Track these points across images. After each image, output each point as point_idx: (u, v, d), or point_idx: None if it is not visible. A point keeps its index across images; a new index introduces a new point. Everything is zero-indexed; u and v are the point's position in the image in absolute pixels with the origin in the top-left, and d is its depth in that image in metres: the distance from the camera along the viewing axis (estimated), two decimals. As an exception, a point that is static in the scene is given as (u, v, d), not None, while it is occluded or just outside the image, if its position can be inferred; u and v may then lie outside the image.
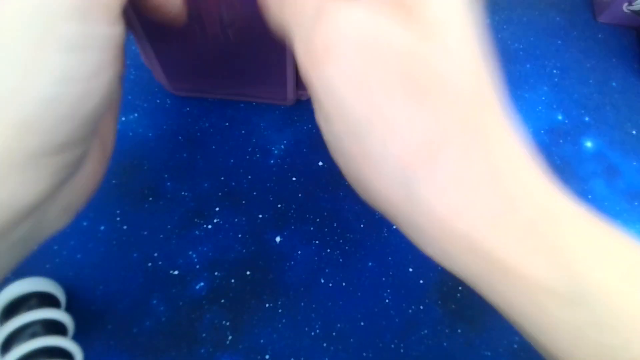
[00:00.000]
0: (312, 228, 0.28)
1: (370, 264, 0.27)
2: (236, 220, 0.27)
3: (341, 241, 0.27)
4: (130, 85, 0.30)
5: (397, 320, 0.26)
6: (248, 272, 0.26)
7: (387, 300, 0.26)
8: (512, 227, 0.13)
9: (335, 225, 0.28)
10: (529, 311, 0.14)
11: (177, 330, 0.25)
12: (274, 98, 0.30)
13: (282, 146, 0.30)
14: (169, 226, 0.27)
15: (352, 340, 0.25)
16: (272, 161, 0.29)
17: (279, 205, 0.28)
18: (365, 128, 0.13)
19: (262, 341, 0.25)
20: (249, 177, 0.29)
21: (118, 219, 0.27)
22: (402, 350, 0.25)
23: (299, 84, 0.28)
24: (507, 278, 0.14)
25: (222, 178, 0.28)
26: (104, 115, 0.15)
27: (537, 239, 0.13)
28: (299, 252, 0.27)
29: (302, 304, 0.26)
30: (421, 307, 0.27)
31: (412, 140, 0.13)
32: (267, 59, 0.25)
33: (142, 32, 0.23)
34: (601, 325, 0.13)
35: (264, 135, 0.30)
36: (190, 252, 0.26)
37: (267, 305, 0.26)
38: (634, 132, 0.32)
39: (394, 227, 0.28)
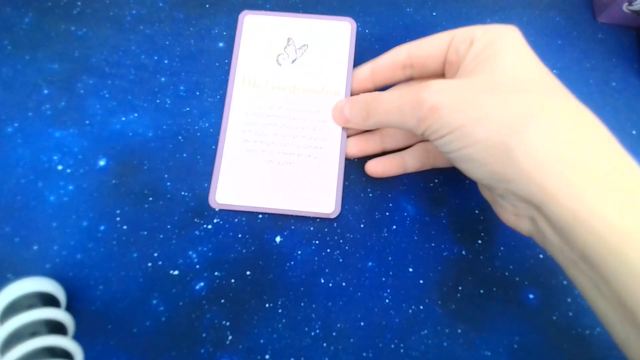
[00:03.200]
0: (312, 228, 0.28)
1: (370, 264, 0.27)
2: (236, 220, 0.27)
3: (341, 241, 0.28)
4: (130, 85, 0.30)
5: (397, 320, 0.26)
6: (248, 272, 0.26)
7: (387, 300, 0.26)
8: (595, 175, 0.18)
9: (335, 225, 0.28)
10: (607, 253, 0.18)
11: (177, 330, 0.25)
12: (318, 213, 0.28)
13: (282, 146, 0.30)
14: (169, 226, 0.27)
15: (352, 340, 0.25)
16: (272, 161, 0.29)
17: (279, 205, 0.28)
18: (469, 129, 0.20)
19: (262, 341, 0.25)
20: (249, 177, 0.29)
21: (118, 219, 0.27)
22: (402, 350, 0.25)
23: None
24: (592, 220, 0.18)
25: (222, 178, 0.28)
26: None
27: (618, 191, 0.18)
28: (299, 252, 0.27)
29: (302, 304, 0.26)
30: (421, 307, 0.27)
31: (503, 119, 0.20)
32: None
33: None
34: None
35: (264, 135, 0.30)
36: (190, 252, 0.26)
37: (267, 305, 0.26)
38: (634, 132, 0.32)
39: (394, 227, 0.28)
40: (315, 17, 0.30)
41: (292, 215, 0.27)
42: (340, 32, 0.30)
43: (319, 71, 0.29)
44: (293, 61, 0.29)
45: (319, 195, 0.27)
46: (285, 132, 0.28)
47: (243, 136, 0.28)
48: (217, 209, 0.27)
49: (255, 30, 0.30)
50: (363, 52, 0.32)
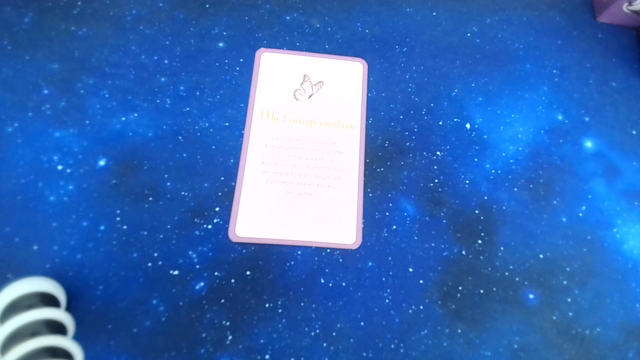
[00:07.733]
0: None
1: (370, 264, 0.27)
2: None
3: (341, 241, 0.27)
4: (130, 85, 0.30)
5: (397, 320, 0.26)
6: (248, 272, 0.26)
7: (387, 300, 0.26)
8: None
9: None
10: None
11: (177, 330, 0.25)
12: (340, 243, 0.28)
13: (282, 146, 0.30)
14: (169, 226, 0.27)
15: (352, 340, 0.25)
16: (272, 161, 0.29)
17: (279, 205, 0.28)
18: None
19: (262, 341, 0.25)
20: (249, 177, 0.29)
21: (118, 219, 0.27)
22: (402, 350, 0.25)
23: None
24: None
25: (222, 178, 0.28)
26: None
27: None
28: (299, 252, 0.27)
29: (302, 304, 0.26)
30: (421, 307, 0.27)
31: None
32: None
33: None
34: None
35: (264, 135, 0.30)
36: (190, 252, 0.26)
37: (267, 305, 0.26)
38: (634, 132, 0.32)
39: (394, 227, 0.28)
40: (328, 56, 0.32)
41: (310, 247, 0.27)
42: (353, 70, 0.32)
43: (335, 106, 0.30)
44: (310, 96, 0.30)
45: (340, 226, 0.28)
46: (304, 164, 0.29)
47: (262, 167, 0.28)
48: (236, 242, 0.27)
49: (272, 67, 0.31)
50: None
